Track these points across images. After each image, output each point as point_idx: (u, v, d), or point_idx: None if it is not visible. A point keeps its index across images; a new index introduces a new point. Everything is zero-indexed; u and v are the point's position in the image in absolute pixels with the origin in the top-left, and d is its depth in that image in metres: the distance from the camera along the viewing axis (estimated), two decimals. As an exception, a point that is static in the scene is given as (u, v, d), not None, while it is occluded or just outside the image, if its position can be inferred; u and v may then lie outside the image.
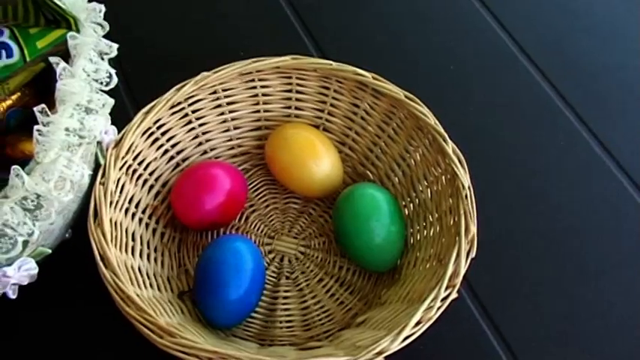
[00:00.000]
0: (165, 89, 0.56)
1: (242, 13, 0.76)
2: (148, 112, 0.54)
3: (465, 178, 0.52)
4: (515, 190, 0.65)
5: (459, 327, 0.56)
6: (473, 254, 0.49)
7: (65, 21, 0.51)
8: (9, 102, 0.53)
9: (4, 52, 0.48)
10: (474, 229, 0.50)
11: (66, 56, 0.50)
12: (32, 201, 0.43)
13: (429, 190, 0.57)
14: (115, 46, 0.52)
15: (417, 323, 0.45)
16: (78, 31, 0.50)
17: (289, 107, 0.62)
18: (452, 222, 0.52)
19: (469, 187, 0.52)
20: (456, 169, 0.52)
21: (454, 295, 0.47)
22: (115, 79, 0.50)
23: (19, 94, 0.53)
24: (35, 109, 0.44)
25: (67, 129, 0.45)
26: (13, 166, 0.42)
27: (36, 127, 0.44)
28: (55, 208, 0.44)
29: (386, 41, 0.75)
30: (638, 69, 0.74)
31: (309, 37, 0.74)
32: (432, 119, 0.55)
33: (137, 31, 0.73)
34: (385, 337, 0.43)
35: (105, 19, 0.53)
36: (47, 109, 0.45)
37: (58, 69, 0.46)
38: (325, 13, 0.76)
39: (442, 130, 0.54)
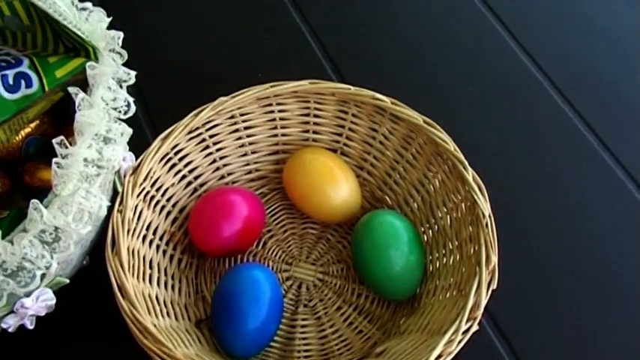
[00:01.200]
0: (183, 112, 0.56)
1: (260, 34, 0.75)
2: (165, 138, 0.54)
3: (485, 207, 0.51)
4: (537, 216, 0.64)
5: (480, 357, 0.55)
6: (494, 285, 0.48)
7: (84, 49, 0.51)
8: (28, 130, 0.53)
9: (23, 82, 0.48)
10: (494, 259, 0.49)
11: (84, 84, 0.50)
12: (50, 234, 0.42)
13: (448, 217, 0.56)
14: (133, 73, 0.52)
15: (438, 357, 0.44)
16: (97, 59, 0.50)
17: (307, 131, 0.62)
18: (472, 251, 0.51)
19: (490, 216, 0.51)
20: (476, 197, 0.52)
21: (475, 328, 0.46)
22: (133, 108, 0.50)
23: (37, 122, 0.54)
24: (54, 141, 0.44)
25: (85, 160, 0.45)
26: (32, 200, 0.42)
27: (54, 159, 0.44)
28: (73, 240, 0.44)
29: (405, 63, 0.74)
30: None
31: (327, 59, 0.73)
32: (451, 145, 0.55)
33: (154, 53, 0.73)
34: (405, 372, 0.43)
35: (123, 41, 0.53)
36: (66, 141, 0.45)
37: (77, 99, 0.46)
38: (343, 34, 0.76)
39: (462, 157, 0.54)
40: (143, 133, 0.65)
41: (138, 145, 0.53)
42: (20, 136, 0.53)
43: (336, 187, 0.58)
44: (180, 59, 0.73)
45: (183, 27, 0.76)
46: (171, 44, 0.74)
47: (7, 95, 0.48)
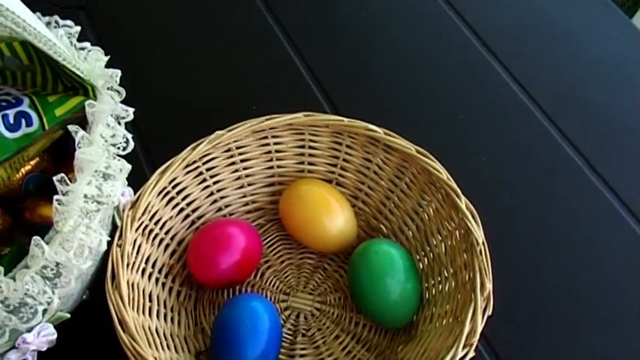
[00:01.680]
0: (180, 147, 0.57)
1: (255, 67, 0.77)
2: (163, 172, 0.55)
3: (479, 234, 0.52)
4: (530, 241, 0.65)
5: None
6: (489, 312, 0.49)
7: (83, 88, 0.52)
8: (28, 167, 0.54)
9: (23, 121, 0.49)
10: (489, 286, 0.50)
11: (83, 122, 0.51)
12: (52, 269, 0.43)
13: (443, 244, 0.57)
14: (131, 110, 0.53)
15: (435, 384, 0.45)
16: (95, 97, 0.51)
17: (302, 163, 0.63)
18: (467, 278, 0.52)
19: (483, 243, 0.52)
20: (469, 224, 0.53)
21: (472, 354, 0.47)
22: (132, 144, 0.51)
23: (37, 159, 0.54)
24: (55, 178, 0.45)
25: (85, 196, 0.46)
26: (34, 237, 0.43)
27: (56, 197, 0.44)
28: (74, 275, 0.44)
29: (397, 93, 0.76)
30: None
31: (321, 91, 0.75)
32: (444, 174, 0.56)
33: (151, 89, 0.74)
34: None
35: (120, 78, 0.54)
36: (66, 178, 0.45)
37: (77, 137, 0.47)
38: (336, 66, 0.77)
39: (455, 186, 0.55)
40: (141, 168, 0.66)
41: (136, 180, 0.54)
42: (21, 174, 0.54)
43: (331, 217, 0.59)
44: (176, 94, 0.74)
45: (178, 63, 0.77)
46: (167, 80, 0.76)
47: (7, 134, 0.49)
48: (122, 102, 0.53)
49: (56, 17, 0.55)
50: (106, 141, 0.50)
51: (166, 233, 0.58)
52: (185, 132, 0.60)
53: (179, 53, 0.78)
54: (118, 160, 0.50)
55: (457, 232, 0.55)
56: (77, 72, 0.50)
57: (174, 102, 0.74)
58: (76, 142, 0.47)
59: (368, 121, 0.59)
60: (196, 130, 0.59)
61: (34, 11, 0.49)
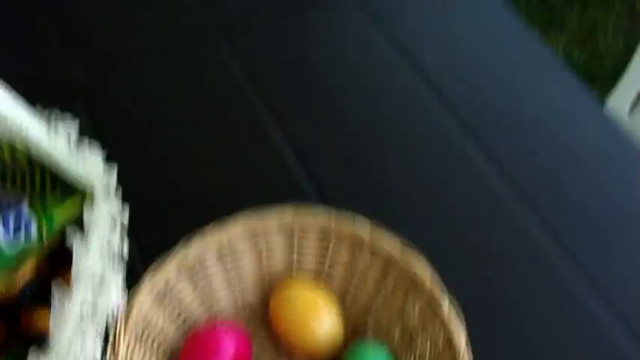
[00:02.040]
0: (171, 234, 0.59)
1: (244, 154, 0.79)
2: (154, 274, 0.57)
3: (462, 339, 0.54)
4: (513, 336, 0.66)
5: None
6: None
7: (80, 190, 0.54)
8: (26, 276, 0.54)
9: (22, 234, 0.51)
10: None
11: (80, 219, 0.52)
12: (47, 380, 0.44)
13: (428, 343, 0.58)
14: (127, 212, 0.55)
15: None
16: (93, 199, 0.53)
17: (291, 261, 0.64)
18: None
19: (467, 344, 0.54)
20: (452, 332, 0.54)
21: None
22: (127, 249, 0.53)
23: (34, 265, 0.55)
24: (53, 287, 0.46)
25: (82, 304, 0.47)
26: (31, 347, 0.44)
27: (53, 307, 0.45)
28: (68, 385, 0.45)
29: (386, 180, 0.77)
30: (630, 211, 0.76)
31: (311, 178, 0.76)
32: (427, 280, 0.57)
33: (142, 185, 0.75)
34: None
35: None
36: (63, 286, 0.47)
37: (75, 245, 0.49)
38: (325, 155, 0.79)
39: (437, 291, 0.57)
40: (134, 264, 0.67)
41: (128, 278, 0.56)
42: (18, 283, 0.54)
43: (320, 323, 0.60)
44: (167, 184, 0.76)
45: (168, 157, 0.79)
46: (156, 177, 0.77)
47: (7, 250, 0.50)
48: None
49: (55, 111, 0.57)
50: (103, 246, 0.51)
51: (159, 338, 0.59)
52: (176, 220, 0.62)
53: (168, 148, 0.80)
54: (114, 263, 0.51)
55: (441, 334, 0.56)
56: (75, 176, 0.51)
57: (165, 191, 0.75)
58: (74, 251, 0.49)
59: (357, 208, 0.61)
60: (187, 224, 0.62)
61: (33, 102, 0.51)
